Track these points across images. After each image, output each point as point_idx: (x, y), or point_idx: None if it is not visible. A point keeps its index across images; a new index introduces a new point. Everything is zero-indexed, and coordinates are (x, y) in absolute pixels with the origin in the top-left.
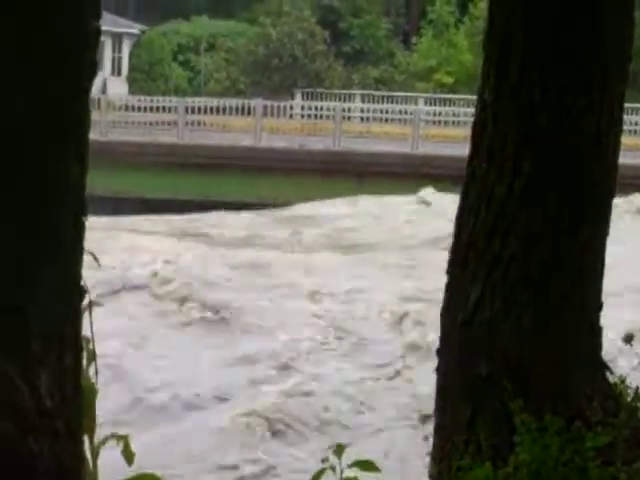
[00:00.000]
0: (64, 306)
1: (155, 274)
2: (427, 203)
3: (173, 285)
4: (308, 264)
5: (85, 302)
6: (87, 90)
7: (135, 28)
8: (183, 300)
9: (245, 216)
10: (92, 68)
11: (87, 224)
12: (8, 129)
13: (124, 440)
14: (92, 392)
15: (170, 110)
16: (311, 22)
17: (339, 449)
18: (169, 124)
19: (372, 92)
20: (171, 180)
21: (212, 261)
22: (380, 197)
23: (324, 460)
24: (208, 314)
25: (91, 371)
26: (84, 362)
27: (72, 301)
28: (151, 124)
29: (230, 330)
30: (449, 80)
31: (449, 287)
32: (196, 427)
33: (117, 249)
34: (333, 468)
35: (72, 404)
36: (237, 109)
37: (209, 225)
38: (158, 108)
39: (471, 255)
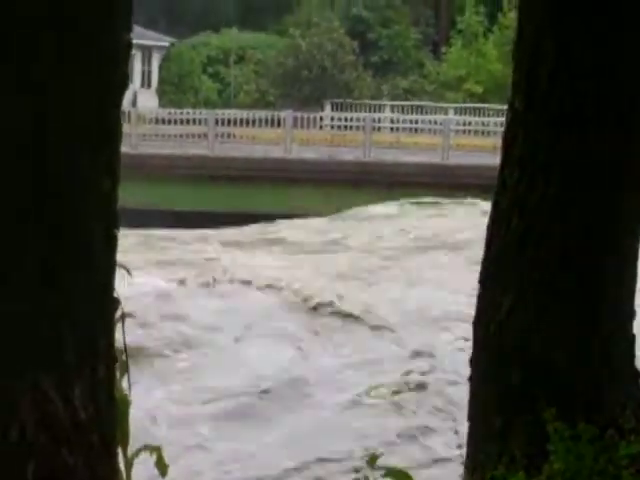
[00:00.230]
0: (97, 318)
1: (267, 281)
2: (473, 204)
3: (294, 289)
4: (412, 266)
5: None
6: (118, 104)
7: (165, 41)
8: (309, 302)
9: (306, 222)
10: (124, 81)
11: (169, 237)
12: (40, 143)
13: (157, 452)
14: (125, 403)
15: (200, 122)
16: (340, 33)
17: (372, 459)
18: (199, 136)
19: (402, 102)
20: (202, 192)
21: (315, 268)
22: (421, 198)
23: (357, 470)
24: (337, 312)
25: (124, 383)
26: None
27: (105, 313)
28: (181, 136)
29: (371, 330)
30: (478, 90)
31: (481, 296)
32: (361, 411)
33: (219, 260)
34: (367, 478)
35: (106, 416)
36: (267, 121)
37: (283, 232)
38: (188, 120)
39: (503, 264)
